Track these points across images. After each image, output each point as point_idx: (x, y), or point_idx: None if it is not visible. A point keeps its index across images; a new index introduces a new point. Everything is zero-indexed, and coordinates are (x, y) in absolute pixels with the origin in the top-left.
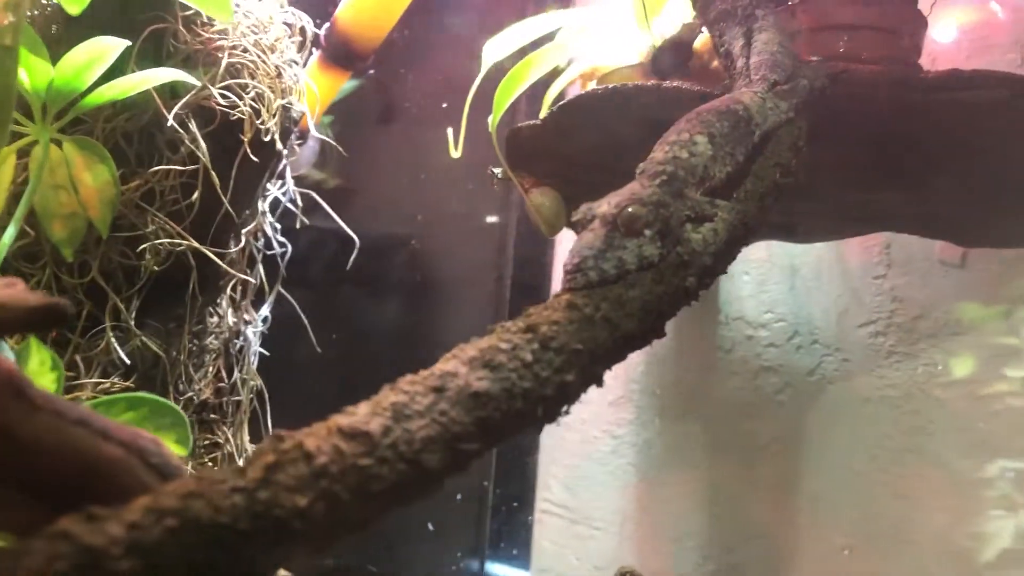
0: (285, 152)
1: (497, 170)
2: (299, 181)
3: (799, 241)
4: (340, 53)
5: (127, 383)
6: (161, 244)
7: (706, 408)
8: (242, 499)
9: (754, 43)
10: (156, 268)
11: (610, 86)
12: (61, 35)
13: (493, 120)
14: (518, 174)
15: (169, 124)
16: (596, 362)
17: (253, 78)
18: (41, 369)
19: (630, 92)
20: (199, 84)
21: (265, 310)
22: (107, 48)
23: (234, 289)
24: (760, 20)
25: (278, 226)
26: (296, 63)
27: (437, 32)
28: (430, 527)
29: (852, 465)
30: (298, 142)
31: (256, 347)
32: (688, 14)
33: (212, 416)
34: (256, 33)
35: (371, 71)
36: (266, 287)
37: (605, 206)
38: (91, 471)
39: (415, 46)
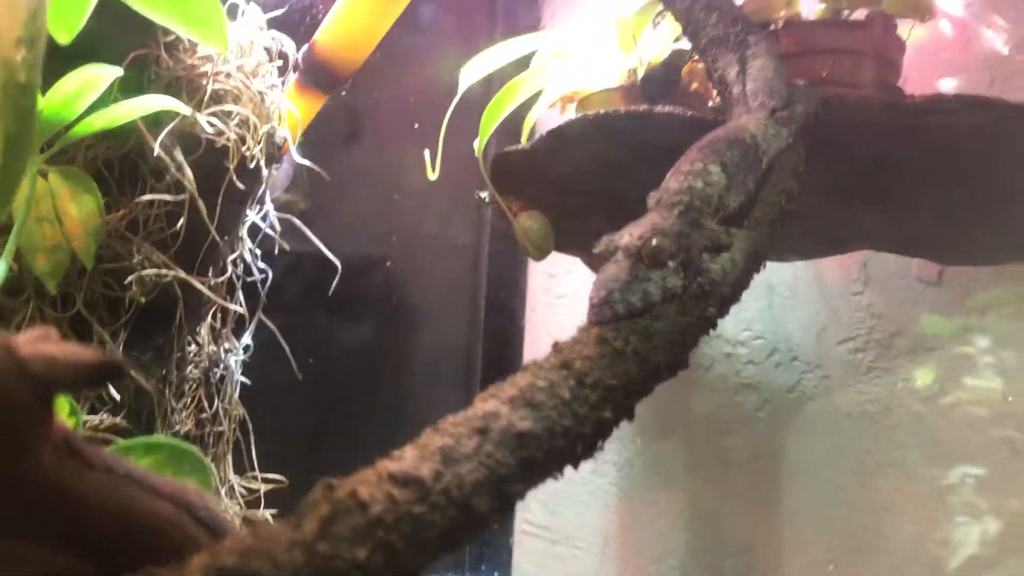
0: (269, 177)
1: (484, 194)
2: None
3: (777, 260)
4: (319, 76)
5: (115, 419)
6: (148, 275)
7: (686, 426)
8: (301, 553)
9: (748, 69)
10: (143, 299)
11: (601, 111)
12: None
13: (479, 144)
14: (505, 198)
15: (156, 153)
16: (629, 396)
17: (237, 103)
18: (59, 415)
19: (622, 117)
20: (188, 112)
21: (247, 338)
22: (98, 77)
23: (214, 317)
24: (753, 46)
25: (258, 252)
26: (277, 87)
27: (407, 53)
28: None
29: (833, 480)
30: (275, 165)
31: (238, 376)
32: (668, 38)
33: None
34: (238, 58)
35: (344, 92)
36: (246, 314)
37: (627, 238)
38: (141, 528)
39: (385, 66)
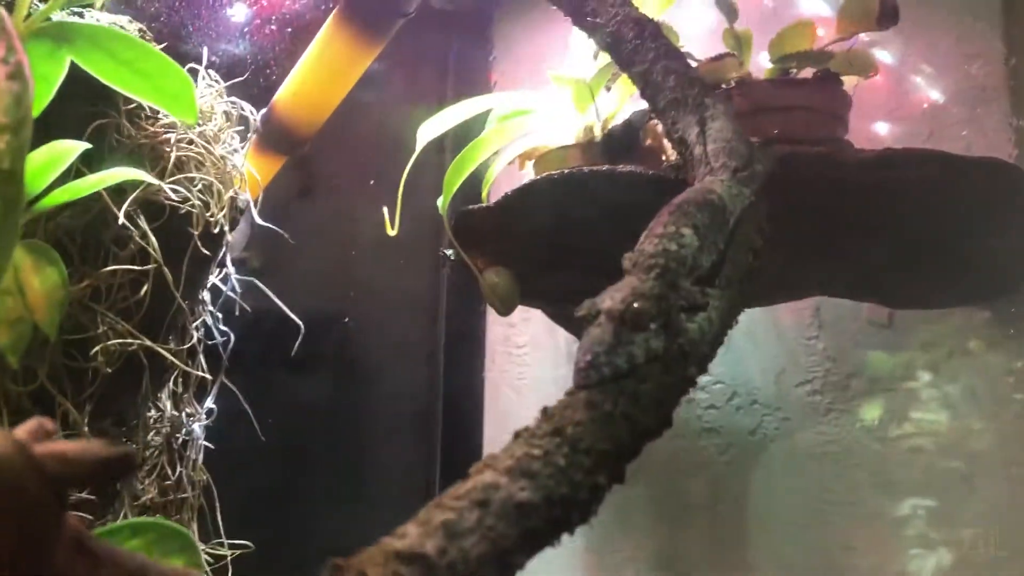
0: (236, 235)
1: (449, 251)
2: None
3: None
4: (278, 139)
5: (82, 493)
6: (115, 344)
7: (650, 472)
8: None
9: (708, 131)
10: (109, 369)
11: (566, 170)
12: None
13: (444, 201)
14: (470, 255)
15: (121, 222)
16: (620, 460)
17: (200, 170)
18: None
19: (586, 176)
20: (155, 182)
21: (209, 402)
22: (65, 151)
23: (175, 382)
24: (711, 108)
25: (219, 315)
26: (238, 152)
27: (360, 111)
28: None
29: (797, 519)
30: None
31: (201, 440)
32: (621, 98)
33: (157, 516)
34: (200, 124)
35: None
36: (208, 378)
37: (609, 302)
38: None
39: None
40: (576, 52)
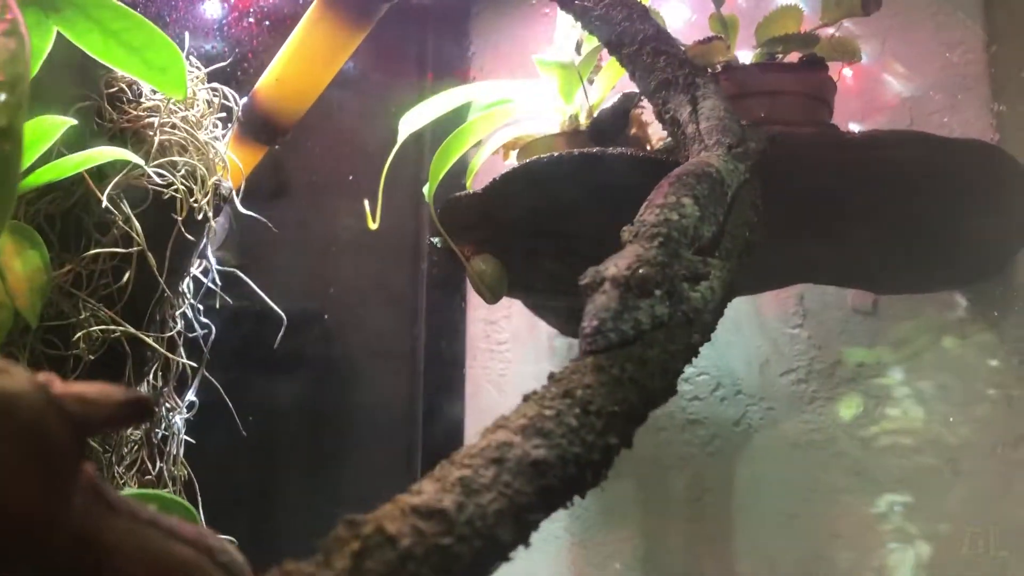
0: (216, 229)
1: (436, 239)
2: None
3: None
4: (259, 128)
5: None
6: (97, 331)
7: (636, 465)
8: None
9: (700, 109)
10: (91, 357)
11: (556, 154)
12: None
13: (430, 189)
14: (457, 243)
15: (104, 205)
16: (629, 423)
17: (183, 155)
18: None
19: (576, 159)
20: (141, 163)
21: (191, 395)
22: (50, 127)
23: (154, 375)
24: (702, 87)
25: (200, 307)
26: (220, 139)
27: (338, 103)
28: None
29: (785, 509)
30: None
31: (182, 435)
32: (606, 85)
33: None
34: (184, 110)
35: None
36: (189, 371)
37: (613, 269)
38: (164, 574)
39: (316, 117)
40: (560, 44)
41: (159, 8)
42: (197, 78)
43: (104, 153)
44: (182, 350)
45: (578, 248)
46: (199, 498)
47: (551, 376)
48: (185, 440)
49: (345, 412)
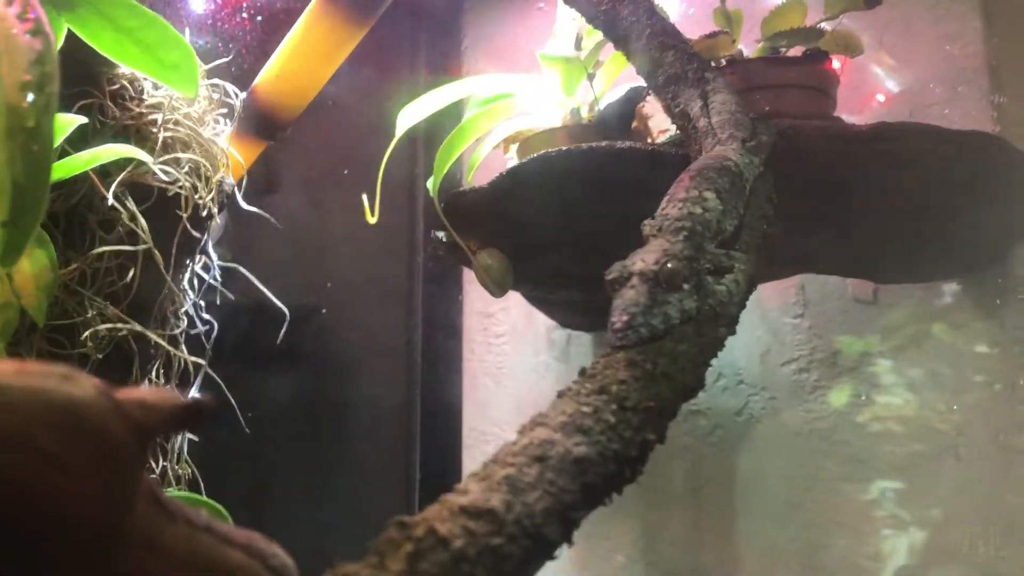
0: (211, 227)
1: (441, 233)
2: None
3: None
4: (259, 123)
5: None
6: (104, 330)
7: None
8: None
9: (711, 104)
10: (99, 356)
11: (564, 148)
12: None
13: (434, 183)
14: (462, 237)
15: (110, 203)
16: (663, 418)
17: (187, 151)
18: None
19: (584, 153)
20: (149, 160)
21: (194, 392)
22: (58, 126)
23: (156, 372)
24: (712, 82)
25: (202, 303)
26: (221, 135)
27: (332, 99)
28: None
29: (789, 499)
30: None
31: (184, 435)
32: (606, 83)
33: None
34: (186, 106)
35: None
36: (191, 368)
37: (641, 263)
38: None
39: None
40: (560, 38)
41: (152, 3)
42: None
43: (112, 151)
44: (184, 347)
45: (586, 241)
46: (203, 495)
47: (583, 371)
48: (189, 438)
49: (343, 406)
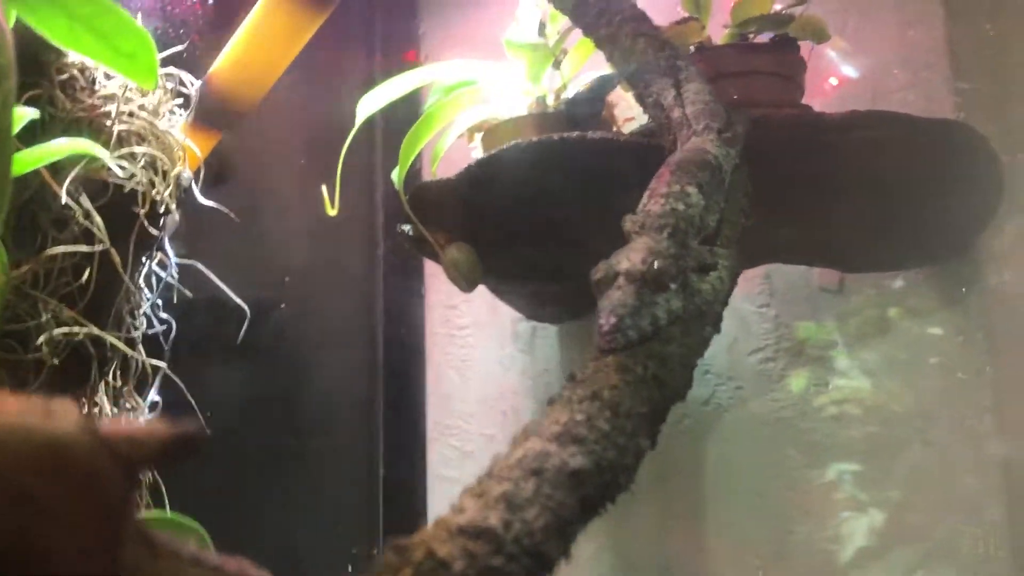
0: (175, 220)
1: (406, 227)
2: None
3: None
4: (215, 113)
5: None
6: (60, 334)
7: None
8: None
9: (685, 93)
10: (55, 361)
11: (534, 139)
12: None
13: (399, 175)
14: (429, 230)
15: (64, 201)
16: (655, 422)
17: (143, 144)
18: None
19: (556, 144)
20: (105, 155)
21: (153, 394)
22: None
23: (113, 375)
24: (684, 70)
25: (160, 302)
26: (177, 126)
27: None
28: None
29: (756, 487)
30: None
31: None
32: (572, 71)
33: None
34: (140, 97)
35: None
36: (149, 369)
37: (627, 263)
38: None
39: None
40: (524, 24)
41: None
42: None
43: (66, 147)
44: (141, 347)
45: (556, 233)
46: (165, 499)
47: (572, 376)
48: None
49: (306, 402)
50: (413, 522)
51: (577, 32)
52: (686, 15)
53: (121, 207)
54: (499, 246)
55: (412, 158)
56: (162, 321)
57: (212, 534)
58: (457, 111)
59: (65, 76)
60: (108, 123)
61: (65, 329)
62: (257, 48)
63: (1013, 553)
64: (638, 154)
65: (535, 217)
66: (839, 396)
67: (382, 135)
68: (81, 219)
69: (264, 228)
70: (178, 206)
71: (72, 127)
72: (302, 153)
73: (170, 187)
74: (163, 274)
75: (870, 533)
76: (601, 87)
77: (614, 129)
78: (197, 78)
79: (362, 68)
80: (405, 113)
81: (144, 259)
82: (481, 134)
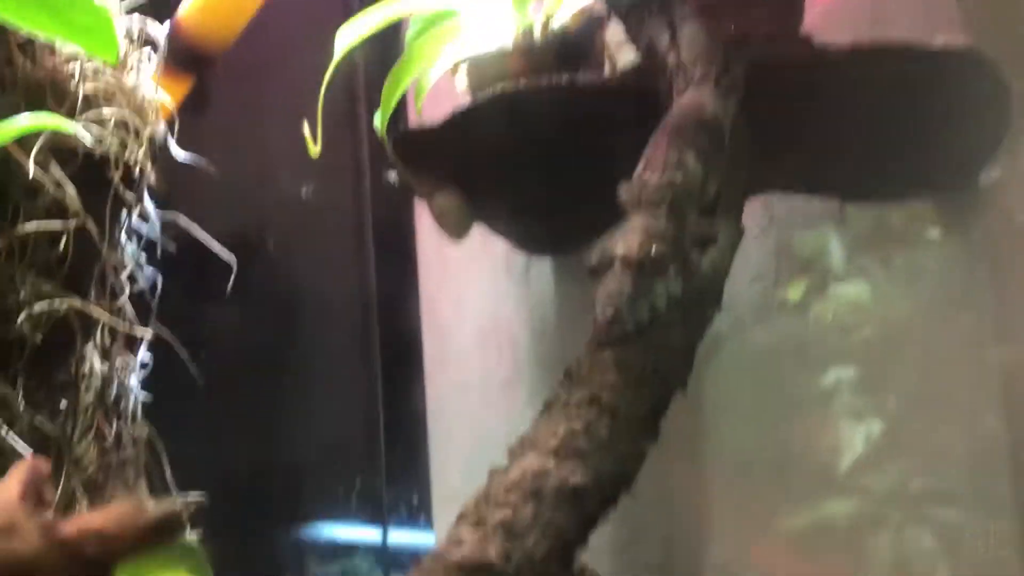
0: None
1: (392, 173)
2: None
3: None
4: (185, 57)
5: None
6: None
7: None
8: None
9: (680, 36)
10: (39, 338)
11: (521, 86)
12: None
13: (382, 118)
14: (416, 177)
15: (32, 175)
16: (656, 418)
17: (111, 104)
18: None
19: (544, 90)
20: (73, 129)
21: (143, 352)
22: None
23: (101, 334)
24: (678, 7)
25: (143, 255)
26: (148, 79)
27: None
28: None
29: (757, 416)
30: None
31: (138, 394)
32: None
33: (101, 478)
34: None
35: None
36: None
37: (623, 247)
38: None
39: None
40: None
41: None
42: (115, 11)
43: (27, 124)
44: (129, 306)
45: (547, 176)
46: (164, 455)
47: (567, 373)
48: (141, 398)
49: (299, 344)
50: (415, 456)
51: None
52: None
53: (94, 172)
54: (487, 192)
55: (394, 101)
56: (147, 279)
57: (214, 486)
58: (439, 47)
59: (23, 35)
60: (72, 84)
61: (46, 303)
62: None
63: (1011, 462)
64: (630, 98)
65: (523, 163)
66: (840, 324)
67: (362, 71)
68: (52, 190)
69: (245, 172)
70: (155, 163)
71: (33, 90)
72: (279, 92)
73: (144, 146)
74: (143, 231)
75: (874, 459)
76: (591, 27)
77: (607, 61)
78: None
79: (338, 6)
80: (384, 45)
81: (124, 217)
82: (465, 65)
